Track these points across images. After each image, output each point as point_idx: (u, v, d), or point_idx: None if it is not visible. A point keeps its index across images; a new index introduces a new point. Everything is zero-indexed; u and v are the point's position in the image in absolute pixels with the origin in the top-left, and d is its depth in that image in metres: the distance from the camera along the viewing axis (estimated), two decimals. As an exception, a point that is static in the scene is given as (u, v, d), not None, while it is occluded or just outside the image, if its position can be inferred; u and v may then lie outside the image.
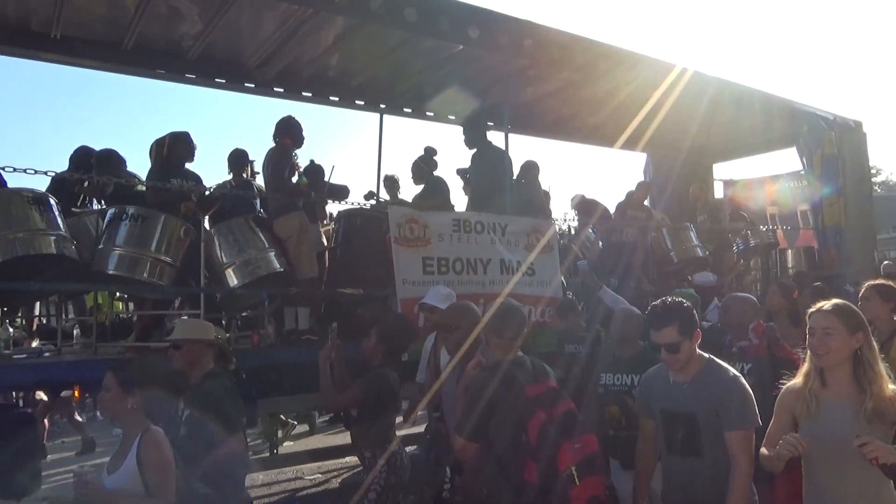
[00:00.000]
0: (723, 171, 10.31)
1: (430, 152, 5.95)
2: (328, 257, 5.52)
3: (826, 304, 2.44)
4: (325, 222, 5.95)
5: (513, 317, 3.00)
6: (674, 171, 9.69)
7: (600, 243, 7.00)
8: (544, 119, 8.22)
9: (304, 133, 5.36)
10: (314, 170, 5.77)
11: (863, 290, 3.68)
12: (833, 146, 8.13)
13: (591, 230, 7.17)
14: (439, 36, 5.40)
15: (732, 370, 2.80)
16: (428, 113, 7.74)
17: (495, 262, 5.51)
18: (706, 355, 2.80)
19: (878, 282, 3.69)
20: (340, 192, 5.94)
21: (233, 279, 4.76)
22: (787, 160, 9.78)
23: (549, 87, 7.10)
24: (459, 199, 6.52)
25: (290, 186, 5.16)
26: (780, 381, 2.60)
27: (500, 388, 2.77)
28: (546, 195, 7.09)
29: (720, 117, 7.92)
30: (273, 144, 5.23)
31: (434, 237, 5.23)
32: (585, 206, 7.32)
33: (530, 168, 6.59)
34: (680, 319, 2.69)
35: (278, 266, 4.84)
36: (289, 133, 5.22)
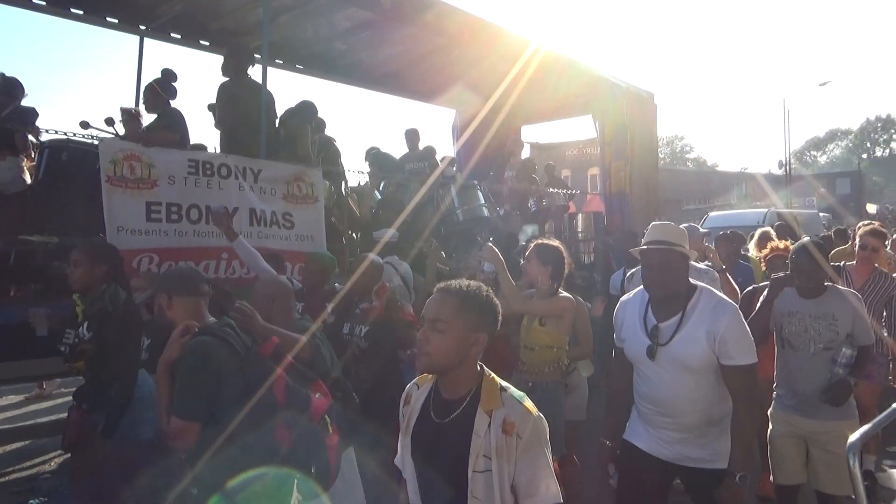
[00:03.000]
0: (530, 134, 10.38)
1: (168, 76, 5.06)
2: (27, 198, 4.53)
3: None
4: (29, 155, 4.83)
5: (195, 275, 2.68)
6: (482, 130, 9.58)
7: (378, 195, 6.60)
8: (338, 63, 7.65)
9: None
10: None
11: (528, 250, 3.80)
12: (622, 114, 8.35)
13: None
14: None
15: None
16: (203, 42, 6.84)
17: (244, 211, 4.86)
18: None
19: (538, 242, 3.76)
20: (25, 116, 4.78)
21: None
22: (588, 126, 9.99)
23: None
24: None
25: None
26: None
27: (226, 354, 2.30)
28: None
29: (528, 80, 7.83)
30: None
31: (163, 179, 4.44)
32: (374, 159, 6.90)
33: (302, 109, 5.90)
34: None
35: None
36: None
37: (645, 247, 2.65)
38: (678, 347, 2.53)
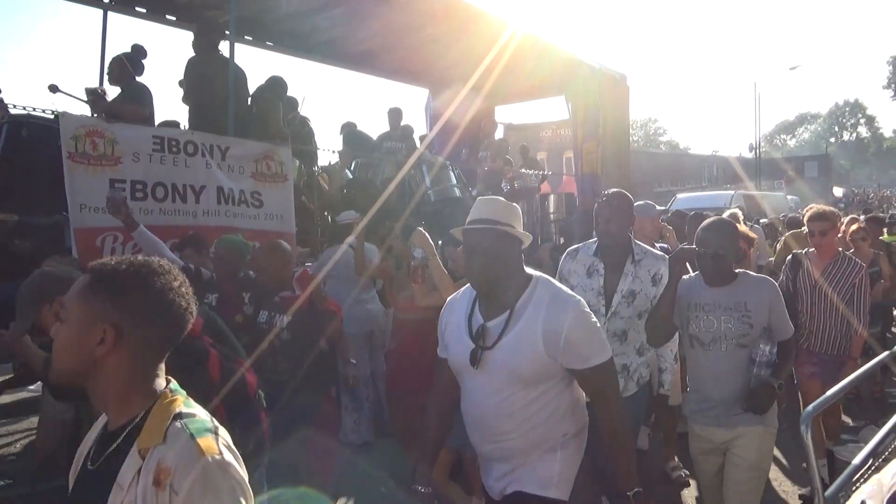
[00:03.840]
0: (504, 115, 10.38)
1: (138, 51, 4.94)
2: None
3: None
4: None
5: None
6: (456, 110, 9.54)
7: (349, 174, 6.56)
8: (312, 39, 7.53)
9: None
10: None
11: None
12: (595, 96, 8.38)
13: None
14: None
15: None
16: (169, 17, 6.67)
17: (211, 189, 4.80)
18: None
19: None
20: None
21: None
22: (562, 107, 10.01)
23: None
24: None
25: None
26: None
27: None
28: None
29: (502, 60, 7.79)
30: None
31: (127, 155, 4.36)
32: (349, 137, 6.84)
33: (271, 85, 5.80)
34: None
35: None
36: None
37: (465, 227, 2.15)
38: (506, 350, 2.02)
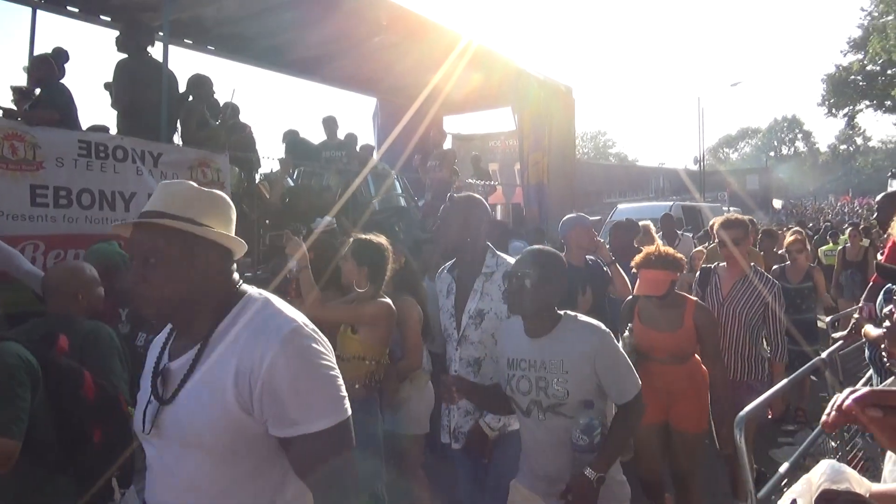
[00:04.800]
0: (452, 125, 10.42)
1: (59, 55, 4.74)
2: None
3: None
4: None
5: None
6: (404, 119, 9.51)
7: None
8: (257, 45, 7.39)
9: None
10: None
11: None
12: (541, 106, 8.48)
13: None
14: None
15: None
16: (103, 17, 6.43)
17: (142, 196, 4.59)
18: None
19: (358, 237, 3.22)
20: None
21: None
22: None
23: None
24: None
25: None
26: None
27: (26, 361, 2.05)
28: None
29: (450, 70, 7.80)
30: None
31: (49, 160, 4.16)
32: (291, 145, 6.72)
33: (192, 85, 5.47)
34: None
35: None
36: None
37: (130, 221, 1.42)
38: (183, 405, 1.33)
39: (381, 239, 3.18)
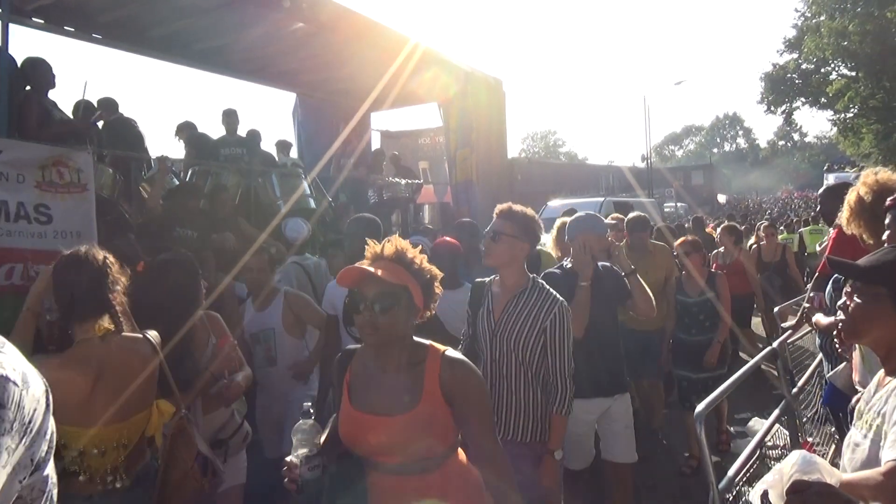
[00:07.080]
0: (380, 122, 9.88)
1: None
2: None
3: None
4: None
5: None
6: (327, 116, 8.93)
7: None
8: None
9: None
10: None
11: None
12: (466, 100, 8.02)
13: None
14: None
15: None
16: None
17: (-24, 201, 3.95)
18: None
19: None
20: None
21: None
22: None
23: None
24: None
25: None
26: None
27: None
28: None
29: (373, 64, 7.23)
30: None
31: None
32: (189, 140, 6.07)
33: (31, 68, 4.68)
34: None
35: None
36: None
37: None
38: None
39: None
